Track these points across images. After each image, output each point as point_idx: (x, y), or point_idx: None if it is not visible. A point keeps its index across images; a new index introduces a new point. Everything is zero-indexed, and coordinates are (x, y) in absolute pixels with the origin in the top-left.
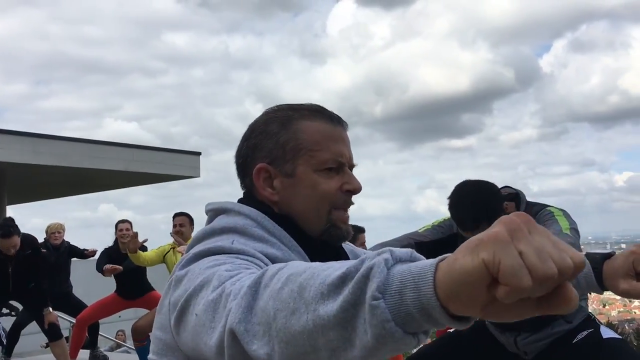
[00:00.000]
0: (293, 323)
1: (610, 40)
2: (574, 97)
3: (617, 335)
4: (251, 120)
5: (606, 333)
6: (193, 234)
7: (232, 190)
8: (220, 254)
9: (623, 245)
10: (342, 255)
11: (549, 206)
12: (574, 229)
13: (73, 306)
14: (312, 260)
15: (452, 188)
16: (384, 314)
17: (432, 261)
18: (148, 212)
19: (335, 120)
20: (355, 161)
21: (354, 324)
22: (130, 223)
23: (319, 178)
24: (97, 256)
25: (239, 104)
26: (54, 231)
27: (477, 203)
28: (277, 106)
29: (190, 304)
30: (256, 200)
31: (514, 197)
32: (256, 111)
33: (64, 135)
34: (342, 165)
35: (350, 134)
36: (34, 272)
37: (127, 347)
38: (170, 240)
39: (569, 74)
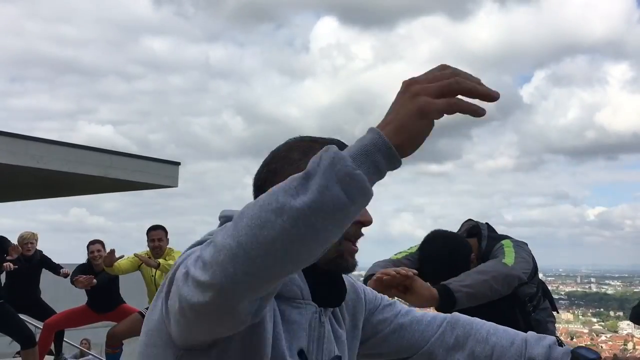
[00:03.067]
0: (265, 234)
1: (588, 76)
2: (552, 130)
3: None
4: (228, 131)
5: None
6: (169, 246)
7: (207, 202)
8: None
9: (592, 279)
10: (340, 283)
11: (507, 239)
12: (522, 259)
13: (41, 311)
14: (309, 284)
15: (428, 212)
16: (363, 179)
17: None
18: (120, 219)
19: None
20: None
21: (330, 203)
22: (101, 243)
23: None
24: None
25: (217, 115)
26: (27, 241)
27: (445, 258)
28: (300, 137)
29: (176, 276)
30: None
31: (476, 233)
32: (235, 123)
33: (42, 137)
34: None
35: None
36: None
37: (92, 355)
38: (146, 249)
39: (549, 106)
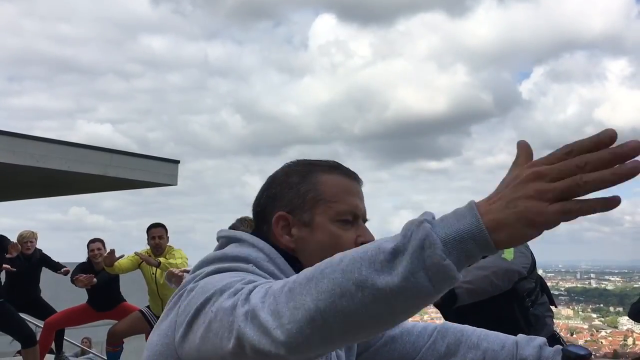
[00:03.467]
0: (345, 305)
1: (587, 72)
2: (551, 126)
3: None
4: (228, 129)
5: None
6: (169, 244)
7: (207, 200)
8: (234, 271)
9: (592, 275)
10: None
11: None
12: (521, 253)
13: (41, 310)
14: None
15: (427, 209)
16: (452, 269)
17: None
18: (120, 218)
19: (352, 176)
20: (367, 216)
21: (414, 290)
22: (102, 242)
23: (336, 228)
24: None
25: (216, 113)
26: (26, 240)
27: None
28: (297, 160)
29: (204, 310)
30: (271, 243)
31: None
32: (234, 121)
33: (42, 136)
34: (358, 218)
35: (330, 149)
36: None
37: (93, 353)
38: (146, 247)
39: (548, 102)
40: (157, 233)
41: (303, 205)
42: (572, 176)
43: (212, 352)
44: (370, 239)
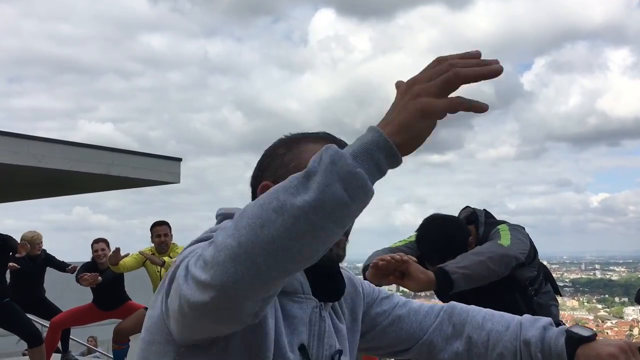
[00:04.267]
0: (266, 233)
1: (588, 62)
2: (553, 117)
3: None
4: (229, 126)
5: None
6: (173, 241)
7: (209, 198)
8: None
9: (597, 266)
10: (339, 277)
11: (503, 223)
12: (519, 240)
13: (47, 310)
14: (308, 277)
15: (430, 203)
16: (363, 177)
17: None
18: (123, 217)
19: (338, 143)
20: None
21: (332, 201)
22: (105, 242)
23: None
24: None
25: (217, 111)
26: (38, 242)
27: (442, 241)
28: (290, 133)
29: (174, 279)
30: None
31: (474, 220)
32: (235, 118)
33: (43, 136)
34: None
35: None
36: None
37: (99, 352)
38: (150, 244)
39: (550, 93)
40: (161, 231)
41: (286, 174)
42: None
43: (174, 318)
44: None
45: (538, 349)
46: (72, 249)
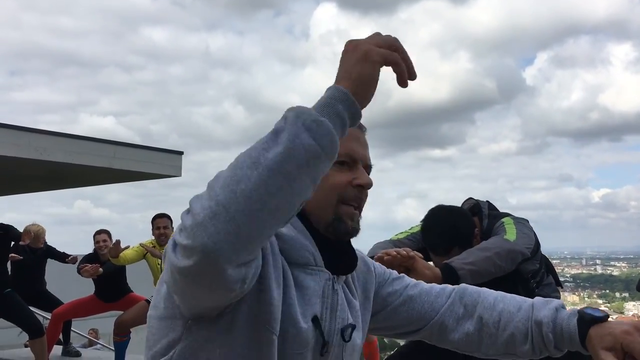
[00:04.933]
0: (243, 188)
1: (591, 57)
2: (555, 112)
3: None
4: (231, 120)
5: None
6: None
7: None
8: None
9: (598, 261)
10: (352, 251)
11: (507, 216)
12: (524, 234)
13: (48, 302)
14: (321, 250)
15: (431, 198)
16: (328, 124)
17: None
18: (125, 211)
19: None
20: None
21: (302, 149)
22: (107, 233)
23: (330, 170)
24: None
25: (218, 105)
26: (43, 236)
27: (448, 231)
28: None
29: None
30: None
31: (477, 212)
32: (236, 113)
33: (45, 128)
34: (355, 162)
35: None
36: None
37: (100, 344)
38: (151, 237)
39: (552, 88)
40: (162, 223)
41: None
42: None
43: (173, 291)
44: (367, 180)
45: (550, 329)
46: (74, 243)
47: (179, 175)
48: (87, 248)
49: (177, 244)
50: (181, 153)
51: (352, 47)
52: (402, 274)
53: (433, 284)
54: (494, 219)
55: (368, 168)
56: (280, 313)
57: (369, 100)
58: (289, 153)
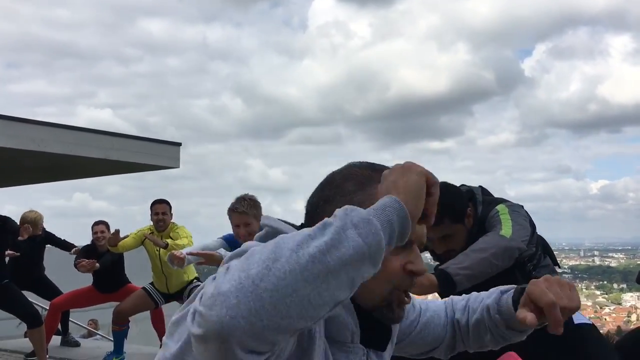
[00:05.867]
0: (278, 267)
1: (590, 48)
2: (554, 103)
3: (588, 321)
4: (228, 112)
5: (578, 319)
6: (173, 221)
7: (209, 184)
8: None
9: (596, 252)
10: (389, 331)
11: (502, 203)
12: (520, 226)
13: (47, 289)
14: (361, 328)
15: None
16: (377, 226)
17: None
18: (123, 203)
19: None
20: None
21: (346, 242)
22: (105, 224)
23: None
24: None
25: (216, 97)
26: (40, 222)
27: (441, 202)
28: (359, 163)
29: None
30: None
31: (470, 198)
32: (234, 105)
33: (42, 120)
34: (412, 243)
35: (332, 131)
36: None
37: (100, 335)
38: (149, 224)
39: (550, 79)
40: (160, 209)
41: None
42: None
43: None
44: (421, 268)
45: (495, 311)
46: (73, 235)
47: (177, 166)
48: (86, 240)
49: (195, 308)
50: (179, 144)
51: (392, 168)
52: (412, 299)
53: (429, 301)
54: (489, 205)
55: (422, 247)
56: None
57: (418, 214)
58: (333, 244)
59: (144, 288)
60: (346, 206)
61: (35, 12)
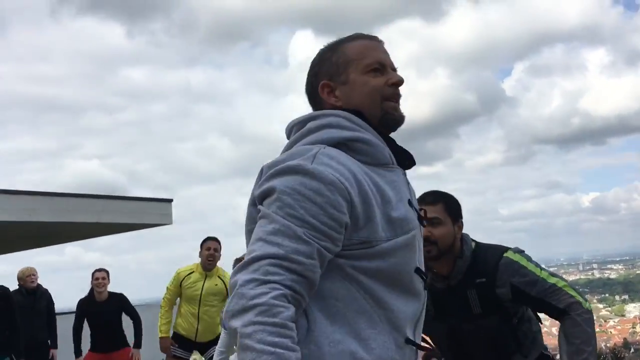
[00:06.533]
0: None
1: (567, 64)
2: (537, 120)
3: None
4: (216, 153)
5: None
6: (220, 266)
7: (201, 226)
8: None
9: (594, 265)
10: (408, 153)
11: (507, 251)
12: (545, 269)
13: None
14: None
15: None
16: None
17: None
18: (116, 253)
19: (372, 38)
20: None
21: None
22: (106, 272)
23: (368, 77)
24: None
25: (203, 139)
26: (29, 274)
27: (441, 193)
28: (328, 43)
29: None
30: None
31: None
32: (222, 145)
33: (32, 190)
34: (385, 67)
35: None
36: (6, 318)
37: None
38: (196, 261)
39: (532, 97)
40: (212, 245)
41: (338, 70)
42: None
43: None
44: (399, 78)
45: None
46: (67, 290)
47: (169, 223)
48: (83, 293)
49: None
50: (170, 201)
51: None
52: None
53: None
54: (487, 250)
55: (395, 70)
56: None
57: None
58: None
59: (174, 356)
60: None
61: (18, 69)
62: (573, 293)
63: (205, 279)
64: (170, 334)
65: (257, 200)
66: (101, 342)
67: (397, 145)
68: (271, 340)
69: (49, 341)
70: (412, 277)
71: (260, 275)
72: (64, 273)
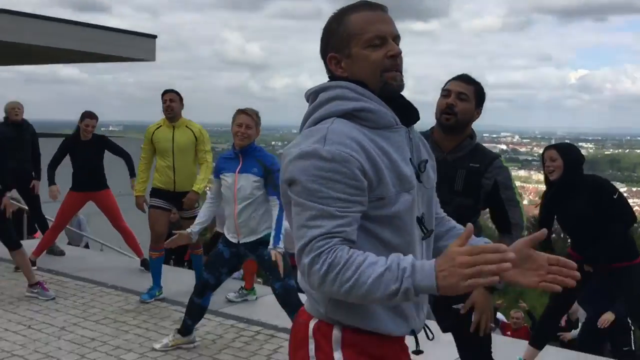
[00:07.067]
0: (357, 295)
1: None
2: None
3: None
4: None
5: None
6: (188, 118)
7: (184, 56)
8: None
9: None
10: (411, 106)
11: (500, 156)
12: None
13: (37, 217)
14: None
15: (410, 73)
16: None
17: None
18: (95, 72)
19: (374, 7)
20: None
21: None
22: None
23: (368, 52)
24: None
25: None
26: (13, 107)
27: (473, 80)
28: (336, 10)
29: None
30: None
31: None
32: None
33: (19, 10)
34: (385, 39)
35: (313, 5)
36: None
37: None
38: (161, 116)
39: None
40: (168, 97)
41: (342, 43)
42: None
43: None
44: (396, 50)
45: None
46: (44, 103)
47: (152, 59)
48: (59, 108)
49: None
50: (155, 37)
51: (454, 271)
52: None
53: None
54: (485, 149)
55: (397, 39)
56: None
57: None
58: (388, 295)
59: (151, 206)
60: (408, 270)
61: None
62: (524, 217)
63: (173, 131)
64: (149, 189)
65: (286, 184)
66: (83, 182)
67: (405, 100)
68: (362, 279)
69: (33, 173)
70: (413, 226)
71: (315, 252)
72: (42, 85)
